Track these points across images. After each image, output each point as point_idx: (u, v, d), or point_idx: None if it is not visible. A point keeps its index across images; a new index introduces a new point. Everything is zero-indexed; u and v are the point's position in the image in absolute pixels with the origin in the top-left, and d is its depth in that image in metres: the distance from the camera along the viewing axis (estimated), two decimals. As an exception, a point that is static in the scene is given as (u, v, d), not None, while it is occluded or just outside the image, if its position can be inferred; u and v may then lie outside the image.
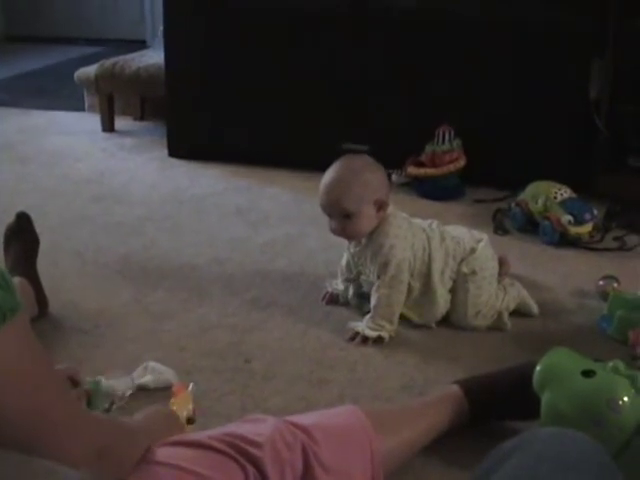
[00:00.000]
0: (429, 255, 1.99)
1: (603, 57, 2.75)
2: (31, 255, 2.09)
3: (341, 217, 1.96)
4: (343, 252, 2.12)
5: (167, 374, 1.74)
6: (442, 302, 2.01)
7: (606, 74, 2.76)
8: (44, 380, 0.87)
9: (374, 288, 1.99)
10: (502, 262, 2.10)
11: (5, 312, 0.80)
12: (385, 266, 1.96)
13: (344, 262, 2.11)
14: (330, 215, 1.99)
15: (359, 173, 1.95)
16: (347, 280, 2.11)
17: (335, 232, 2.01)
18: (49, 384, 0.88)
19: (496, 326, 2.01)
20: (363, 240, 2.01)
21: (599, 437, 1.05)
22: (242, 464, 1.11)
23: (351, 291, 2.11)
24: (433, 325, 2.02)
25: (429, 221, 2.09)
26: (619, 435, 1.32)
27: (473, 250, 2.02)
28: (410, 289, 2.00)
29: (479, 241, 2.05)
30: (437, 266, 1.99)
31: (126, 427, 1.11)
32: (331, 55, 3.09)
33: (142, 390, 1.70)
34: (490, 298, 2.01)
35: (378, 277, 1.98)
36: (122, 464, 1.03)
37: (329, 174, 1.98)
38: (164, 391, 1.70)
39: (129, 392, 1.67)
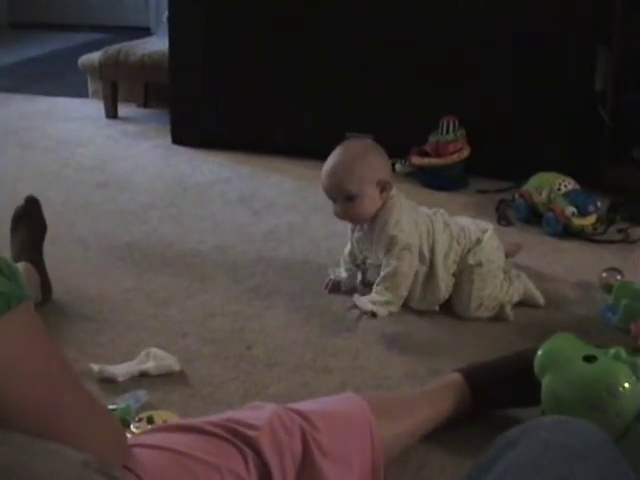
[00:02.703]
0: (433, 238, 2.00)
1: (609, 48, 2.74)
2: (38, 240, 2.08)
3: (344, 200, 1.97)
4: (346, 241, 2.12)
5: (169, 360, 1.74)
6: (443, 286, 2.00)
7: (611, 65, 2.75)
8: (54, 369, 0.85)
9: (383, 264, 1.99)
10: (517, 248, 2.20)
11: (10, 300, 0.79)
12: (393, 239, 1.96)
13: (347, 251, 2.11)
14: (333, 199, 2.00)
15: (360, 155, 1.97)
16: (351, 268, 2.11)
17: (339, 216, 2.02)
18: (59, 373, 0.86)
19: (498, 317, 2.01)
20: (365, 225, 2.01)
21: (598, 423, 1.04)
22: (239, 447, 1.10)
23: (359, 278, 2.12)
24: (436, 308, 2.01)
25: (433, 210, 2.09)
26: (618, 421, 1.32)
27: (479, 241, 2.01)
28: (415, 272, 2.00)
29: (485, 231, 2.04)
30: (440, 248, 1.99)
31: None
32: (335, 43, 3.08)
33: (144, 376, 1.71)
34: (494, 291, 2.00)
35: (387, 251, 1.98)
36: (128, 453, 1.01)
37: (331, 158, 2.00)
38: (165, 377, 1.70)
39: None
